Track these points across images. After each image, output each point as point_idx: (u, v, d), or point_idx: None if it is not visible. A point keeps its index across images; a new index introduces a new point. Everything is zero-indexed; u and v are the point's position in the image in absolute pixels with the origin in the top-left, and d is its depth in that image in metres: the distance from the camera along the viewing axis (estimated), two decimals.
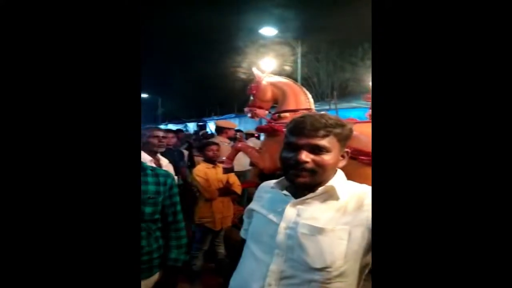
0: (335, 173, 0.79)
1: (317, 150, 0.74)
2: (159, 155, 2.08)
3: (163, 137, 1.97)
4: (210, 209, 2.33)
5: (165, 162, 2.12)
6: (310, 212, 0.74)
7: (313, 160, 0.74)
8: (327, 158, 0.74)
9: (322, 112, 0.81)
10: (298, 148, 0.75)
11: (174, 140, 3.22)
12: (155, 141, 1.90)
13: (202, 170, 2.37)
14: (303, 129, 0.74)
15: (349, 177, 0.82)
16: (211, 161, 2.43)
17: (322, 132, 0.73)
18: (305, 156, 0.73)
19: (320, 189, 0.75)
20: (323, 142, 0.74)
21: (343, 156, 0.80)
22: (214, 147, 2.43)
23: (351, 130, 0.78)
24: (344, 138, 0.77)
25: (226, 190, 2.42)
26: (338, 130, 0.75)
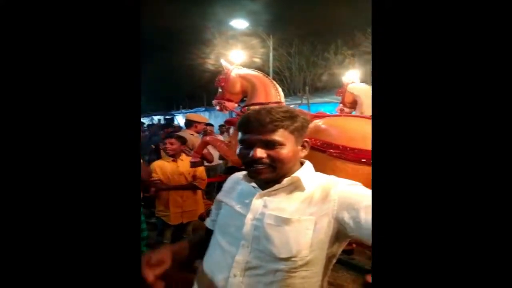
0: (302, 164, 0.79)
1: (270, 144, 0.73)
2: None
3: None
4: (166, 202, 2.31)
5: None
6: (276, 203, 0.74)
7: (269, 155, 0.73)
8: (283, 151, 0.73)
9: (273, 106, 0.80)
10: (252, 145, 0.74)
11: None
12: None
13: (158, 164, 2.34)
14: (249, 126, 0.74)
15: (319, 170, 0.82)
16: (170, 155, 2.37)
17: (270, 127, 0.73)
18: (260, 152, 0.73)
19: (286, 180, 0.75)
20: (274, 136, 0.73)
21: (303, 146, 0.79)
22: (167, 141, 2.36)
23: (305, 120, 0.78)
24: (298, 129, 0.76)
25: (188, 185, 2.39)
26: (287, 123, 0.74)
